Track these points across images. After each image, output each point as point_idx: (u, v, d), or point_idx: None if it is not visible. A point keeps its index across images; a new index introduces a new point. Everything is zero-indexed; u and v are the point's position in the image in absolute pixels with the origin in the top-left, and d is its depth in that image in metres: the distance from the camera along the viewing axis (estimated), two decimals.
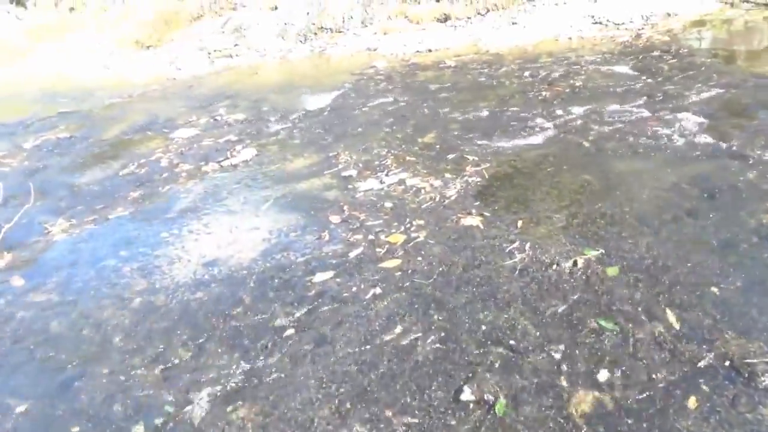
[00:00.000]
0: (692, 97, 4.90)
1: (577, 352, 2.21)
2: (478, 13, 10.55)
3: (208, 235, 3.68)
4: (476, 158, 4.22)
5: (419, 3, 11.44)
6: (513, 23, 9.57)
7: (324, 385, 2.23)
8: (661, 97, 5.04)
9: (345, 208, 3.73)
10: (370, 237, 3.31)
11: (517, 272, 2.76)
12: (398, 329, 2.49)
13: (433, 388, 2.14)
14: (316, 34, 11.81)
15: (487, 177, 3.86)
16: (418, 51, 9.21)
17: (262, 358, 2.46)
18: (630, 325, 2.30)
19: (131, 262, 3.46)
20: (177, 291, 3.07)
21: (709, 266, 2.61)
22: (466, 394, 2.05)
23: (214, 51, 12.04)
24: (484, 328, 2.41)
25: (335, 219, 3.59)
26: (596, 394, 2.00)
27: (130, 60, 11.47)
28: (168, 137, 6.18)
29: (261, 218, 3.79)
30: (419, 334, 2.43)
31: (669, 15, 8.69)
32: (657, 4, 8.98)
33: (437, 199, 3.64)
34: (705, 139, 4.02)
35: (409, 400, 2.10)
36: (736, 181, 3.37)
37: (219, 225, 3.79)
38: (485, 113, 5.36)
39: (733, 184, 3.33)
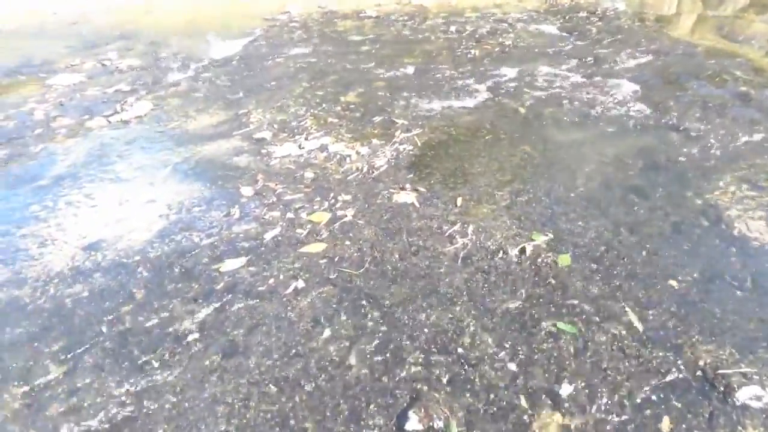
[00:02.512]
0: (624, 63, 4.74)
1: (535, 359, 1.92)
2: None
3: (92, 209, 3.05)
4: (406, 122, 3.81)
5: None
6: None
7: (236, 412, 1.81)
8: (592, 61, 4.85)
9: (258, 177, 3.22)
10: (289, 215, 2.85)
11: (460, 261, 2.43)
12: (326, 334, 2.09)
13: (370, 412, 1.77)
14: None
15: (419, 145, 3.47)
16: None
17: (158, 373, 1.98)
18: (589, 326, 2.05)
19: None
20: (49, 283, 2.48)
21: (664, 255, 2.40)
22: (412, 423, 1.70)
23: None
24: (426, 331, 2.06)
25: (247, 191, 3.08)
26: (560, 417, 1.73)
27: None
28: (45, 84, 5.27)
29: (158, 188, 3.20)
30: (351, 341, 2.05)
31: None
32: None
33: (365, 170, 3.21)
34: (641, 108, 3.85)
35: (342, 430, 1.72)
36: (678, 156, 3.21)
37: (105, 196, 3.16)
38: (412, 71, 4.94)
39: (676, 160, 3.17)
